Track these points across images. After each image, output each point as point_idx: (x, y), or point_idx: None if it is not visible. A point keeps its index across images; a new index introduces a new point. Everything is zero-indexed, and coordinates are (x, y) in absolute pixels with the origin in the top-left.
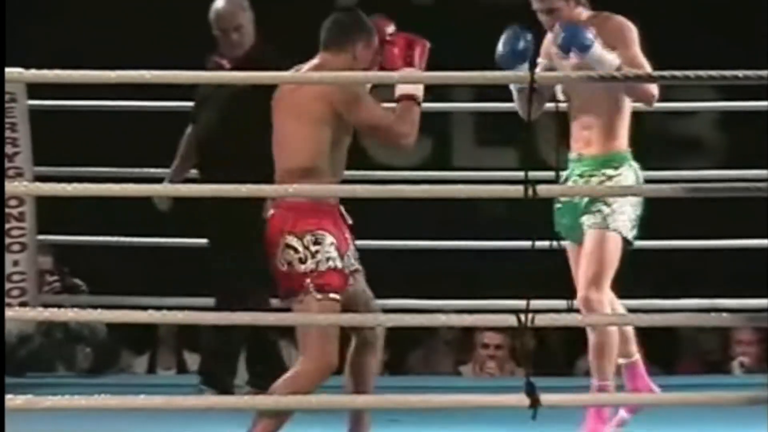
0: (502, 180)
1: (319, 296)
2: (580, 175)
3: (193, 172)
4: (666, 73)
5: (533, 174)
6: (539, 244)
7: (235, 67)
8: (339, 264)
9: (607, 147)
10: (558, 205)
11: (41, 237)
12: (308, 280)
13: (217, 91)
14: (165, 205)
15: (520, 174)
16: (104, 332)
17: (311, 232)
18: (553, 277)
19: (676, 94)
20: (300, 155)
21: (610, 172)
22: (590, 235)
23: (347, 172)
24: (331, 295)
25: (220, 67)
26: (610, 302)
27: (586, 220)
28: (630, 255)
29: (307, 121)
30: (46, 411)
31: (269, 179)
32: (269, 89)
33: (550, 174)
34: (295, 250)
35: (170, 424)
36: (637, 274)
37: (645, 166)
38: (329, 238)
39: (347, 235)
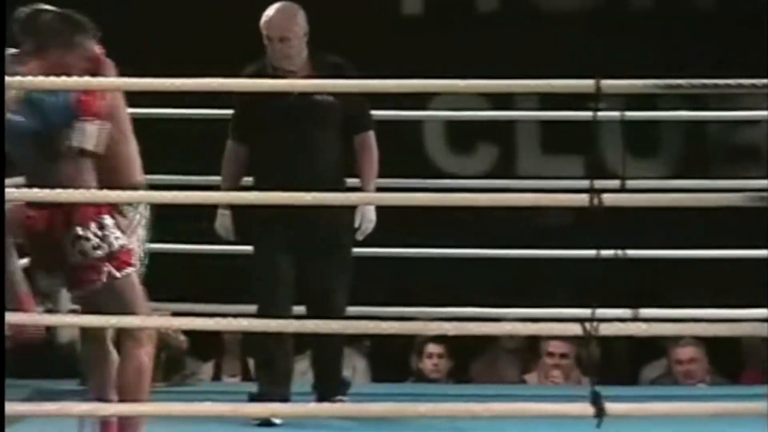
0: (567, 189)
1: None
2: None
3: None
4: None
5: (599, 182)
6: (604, 252)
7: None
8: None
9: None
10: None
11: None
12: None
13: (282, 104)
14: (229, 235)
15: (586, 182)
16: (177, 340)
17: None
18: (617, 286)
19: (739, 103)
20: None
21: None
22: None
23: (411, 180)
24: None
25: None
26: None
27: None
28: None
29: None
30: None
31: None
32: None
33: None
34: (87, 239)
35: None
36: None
37: (707, 176)
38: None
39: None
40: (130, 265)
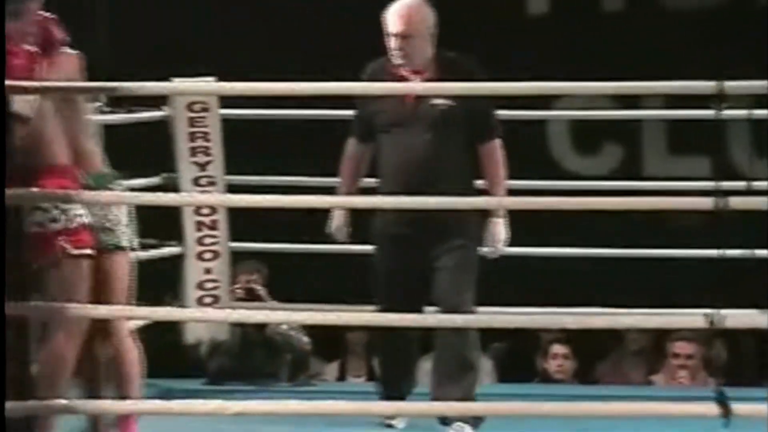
0: (692, 190)
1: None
2: None
3: None
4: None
5: (726, 184)
6: (730, 253)
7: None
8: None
9: None
10: None
11: (234, 245)
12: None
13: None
14: (343, 236)
15: (712, 184)
16: (301, 341)
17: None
18: (744, 287)
19: None
20: None
21: None
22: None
23: (535, 182)
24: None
25: (403, 79)
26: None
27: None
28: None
29: None
30: (237, 416)
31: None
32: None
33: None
34: (45, 210)
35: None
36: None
37: None
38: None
39: None
40: (86, 246)
